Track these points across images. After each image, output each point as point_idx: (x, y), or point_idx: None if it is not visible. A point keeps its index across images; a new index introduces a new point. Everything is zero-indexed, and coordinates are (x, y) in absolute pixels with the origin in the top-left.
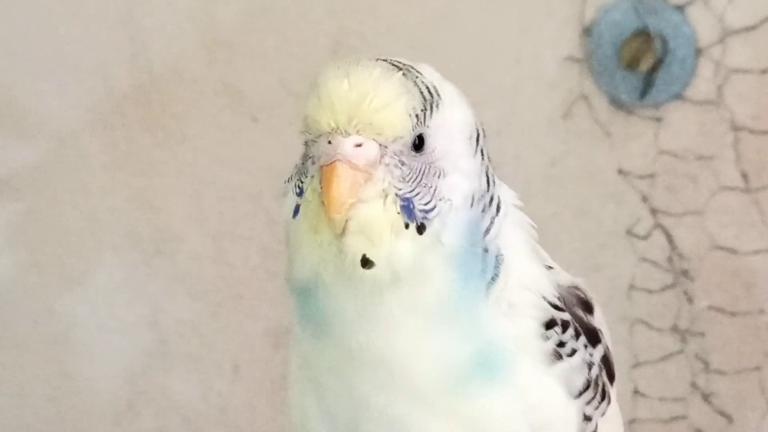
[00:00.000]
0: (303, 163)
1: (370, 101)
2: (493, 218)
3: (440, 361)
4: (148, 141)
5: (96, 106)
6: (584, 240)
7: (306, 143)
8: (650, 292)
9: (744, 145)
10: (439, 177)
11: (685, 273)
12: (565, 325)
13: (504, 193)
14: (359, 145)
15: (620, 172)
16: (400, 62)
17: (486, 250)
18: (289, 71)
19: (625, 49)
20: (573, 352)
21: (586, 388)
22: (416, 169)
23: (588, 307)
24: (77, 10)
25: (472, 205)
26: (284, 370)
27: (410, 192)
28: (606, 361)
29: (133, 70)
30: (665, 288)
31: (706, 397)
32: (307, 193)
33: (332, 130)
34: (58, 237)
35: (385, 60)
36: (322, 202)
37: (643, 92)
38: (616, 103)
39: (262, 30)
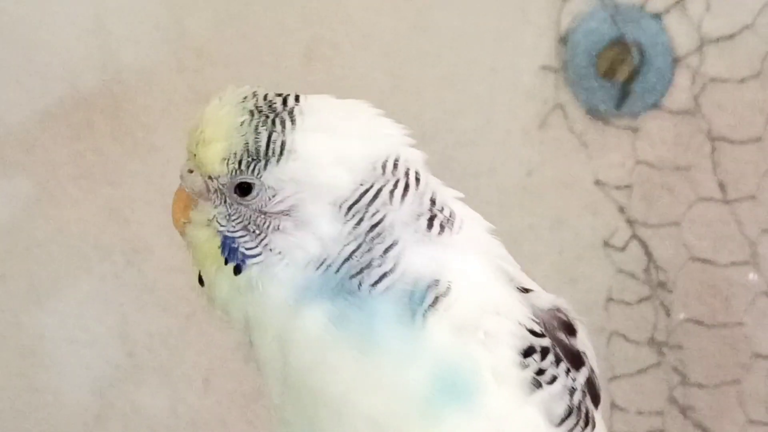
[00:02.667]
0: None
1: (199, 134)
2: (381, 276)
3: (389, 392)
4: (117, 151)
5: (65, 115)
6: (561, 251)
7: None
8: (627, 304)
9: (721, 155)
10: (274, 229)
11: (662, 285)
12: (544, 352)
13: (469, 218)
14: (191, 171)
15: (597, 182)
16: (283, 105)
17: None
18: (261, 80)
19: (602, 58)
20: (553, 379)
21: (568, 415)
22: (243, 213)
23: (570, 330)
24: (46, 17)
25: (319, 268)
26: (256, 383)
27: (233, 232)
28: (590, 385)
29: (103, 78)
30: (642, 300)
31: (683, 411)
32: None
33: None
34: (26, 248)
35: (266, 99)
36: None
37: (620, 102)
38: (593, 112)
39: (233, 38)
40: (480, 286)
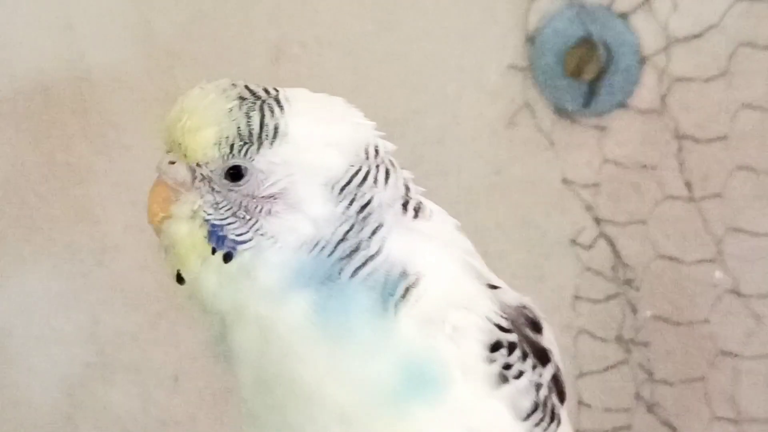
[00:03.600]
0: None
1: (184, 122)
2: (365, 260)
3: (358, 383)
4: (86, 150)
5: (33, 114)
6: (528, 249)
7: None
8: (594, 301)
9: (688, 154)
10: (267, 214)
11: (629, 282)
12: (511, 347)
13: (437, 210)
14: (172, 163)
15: (564, 181)
16: (268, 93)
17: (372, 282)
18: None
19: (569, 57)
20: (520, 374)
21: (534, 410)
22: (233, 199)
23: (536, 327)
24: (14, 15)
25: (312, 250)
26: (225, 381)
27: (222, 220)
28: (556, 381)
29: (71, 77)
30: (609, 298)
31: (650, 408)
32: None
33: (164, 144)
34: None
35: (249, 88)
36: None
37: (587, 101)
38: (560, 111)
39: (202, 37)
40: (449, 279)
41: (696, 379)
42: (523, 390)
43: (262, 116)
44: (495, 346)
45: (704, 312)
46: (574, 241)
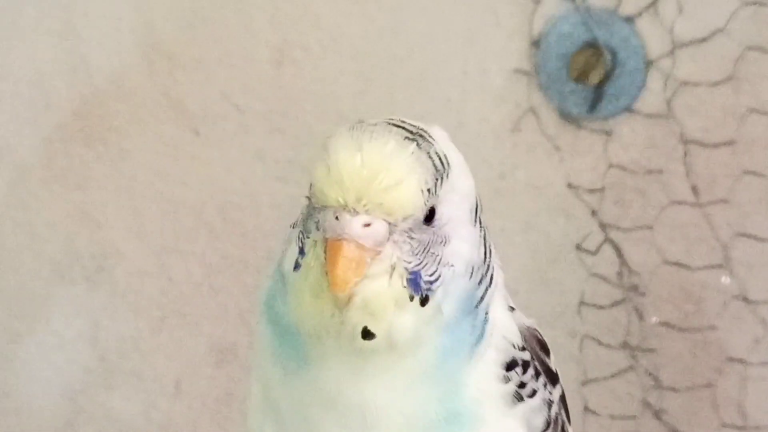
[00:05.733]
0: (307, 219)
1: (381, 180)
2: (486, 288)
3: (413, 419)
4: (87, 154)
5: (34, 119)
6: (533, 255)
7: (314, 206)
8: (600, 307)
9: (694, 158)
10: (443, 244)
11: (635, 288)
12: (525, 365)
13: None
14: (368, 225)
15: (569, 186)
16: (413, 127)
17: (476, 318)
18: (232, 84)
19: (574, 61)
20: (533, 392)
21: (547, 427)
22: (425, 240)
23: (545, 348)
24: (15, 20)
25: (471, 276)
26: (227, 387)
27: (418, 265)
28: (564, 401)
29: (73, 82)
30: (615, 303)
31: (657, 414)
32: (309, 257)
33: (340, 206)
34: None
35: (398, 125)
36: (326, 273)
37: (593, 105)
38: (565, 116)
39: (203, 42)
40: (497, 313)
41: (703, 386)
42: (536, 408)
43: (436, 151)
44: (510, 365)
45: (711, 318)
46: (579, 247)
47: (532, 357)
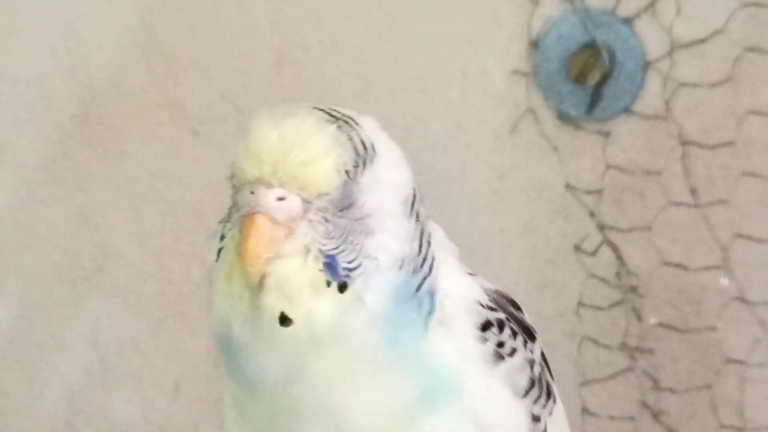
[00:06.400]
0: (231, 208)
1: (296, 154)
2: (425, 277)
3: (385, 407)
4: (87, 155)
5: (34, 119)
6: (531, 256)
7: (233, 188)
8: (599, 308)
9: (692, 159)
10: (366, 235)
11: (633, 289)
12: (500, 325)
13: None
14: (282, 199)
15: (568, 187)
16: (338, 112)
17: (421, 301)
18: (231, 85)
19: (573, 62)
20: (513, 351)
21: (531, 386)
22: (343, 225)
23: (516, 305)
24: (15, 21)
25: (400, 268)
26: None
27: (335, 249)
28: (545, 359)
29: (73, 83)
30: (614, 305)
31: (655, 416)
32: (226, 240)
33: (256, 180)
34: None
35: (322, 109)
36: (239, 253)
37: (591, 106)
38: (564, 117)
39: (203, 43)
40: (449, 278)
41: (702, 387)
42: (518, 367)
43: (359, 136)
44: (485, 326)
45: (710, 319)
46: (578, 248)
47: (507, 318)
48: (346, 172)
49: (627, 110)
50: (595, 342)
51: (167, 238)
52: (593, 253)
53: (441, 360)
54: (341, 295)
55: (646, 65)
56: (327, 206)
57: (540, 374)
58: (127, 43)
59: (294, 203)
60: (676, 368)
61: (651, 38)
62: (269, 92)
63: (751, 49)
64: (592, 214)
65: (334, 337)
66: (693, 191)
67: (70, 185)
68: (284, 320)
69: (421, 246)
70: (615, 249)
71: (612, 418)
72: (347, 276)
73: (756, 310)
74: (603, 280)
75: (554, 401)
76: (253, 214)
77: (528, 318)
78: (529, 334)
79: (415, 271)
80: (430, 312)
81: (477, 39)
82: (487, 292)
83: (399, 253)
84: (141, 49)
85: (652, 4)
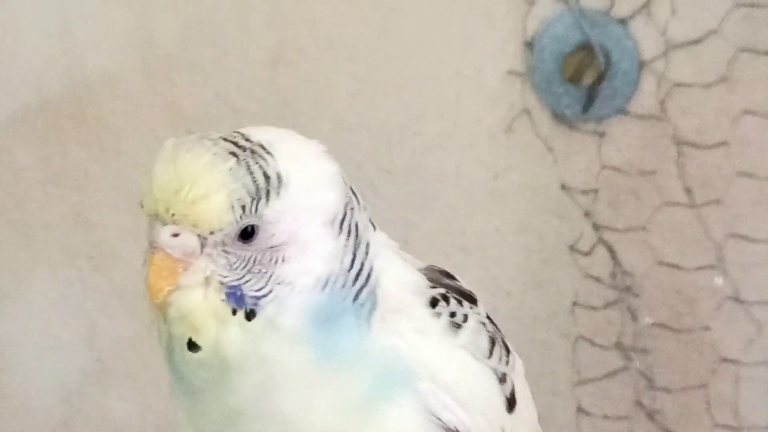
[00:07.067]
0: None
1: (188, 192)
2: (362, 287)
3: (334, 408)
4: (83, 155)
5: (30, 119)
6: (526, 256)
7: None
8: (594, 308)
9: (687, 159)
10: (277, 263)
11: (628, 289)
12: (445, 298)
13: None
14: (177, 235)
15: (563, 187)
16: (249, 142)
17: (361, 306)
18: (227, 85)
19: (568, 63)
20: (465, 317)
21: (493, 344)
22: (246, 257)
23: (450, 275)
24: (11, 21)
25: (325, 287)
26: None
27: (238, 280)
28: (491, 319)
29: (69, 83)
30: (609, 304)
31: (650, 415)
32: (143, 266)
33: (155, 215)
34: None
35: (230, 140)
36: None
37: (586, 106)
38: (559, 117)
39: (199, 43)
40: (389, 271)
41: (696, 387)
42: (475, 330)
43: (262, 168)
44: (433, 302)
45: (705, 319)
46: (572, 248)
47: (446, 291)
48: (243, 207)
49: (622, 110)
50: (590, 341)
51: None
52: (588, 253)
53: (389, 351)
54: (249, 322)
55: (640, 65)
56: (225, 240)
57: (494, 331)
58: (123, 43)
59: (188, 240)
60: (670, 368)
61: (646, 39)
62: (265, 92)
63: (746, 50)
64: (587, 214)
65: (249, 361)
66: (688, 191)
67: (66, 185)
68: (193, 346)
69: (354, 260)
70: (610, 249)
71: (607, 417)
72: (255, 304)
73: (750, 310)
74: (598, 279)
75: (509, 351)
76: (153, 248)
77: (464, 284)
78: (471, 299)
79: (345, 286)
80: (372, 310)
81: (472, 39)
82: (421, 271)
83: (323, 273)
84: (137, 49)
85: (646, 5)
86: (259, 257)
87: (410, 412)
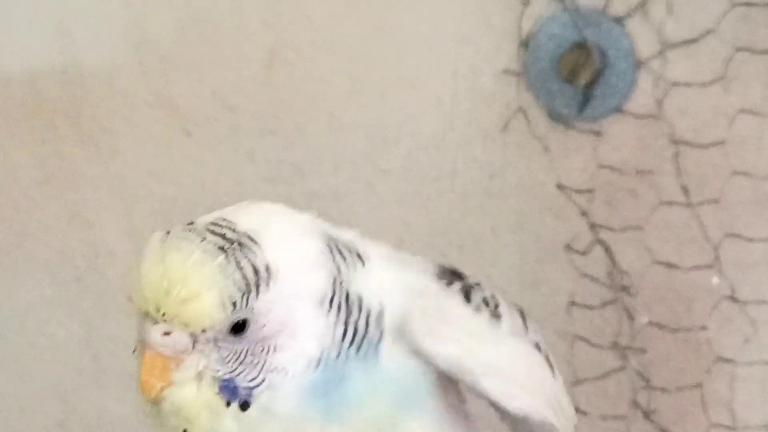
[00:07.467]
0: None
1: (178, 292)
2: (363, 338)
3: None
4: (79, 155)
5: (26, 119)
6: (523, 255)
7: None
8: (590, 308)
9: (684, 159)
10: (269, 352)
11: (625, 289)
12: (471, 288)
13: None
14: (168, 333)
15: (559, 186)
16: (236, 233)
17: (363, 354)
18: (224, 84)
19: (564, 61)
20: (496, 300)
21: (523, 318)
22: (238, 350)
23: (458, 273)
24: (6, 20)
25: (318, 365)
26: None
27: (231, 372)
28: None
29: (64, 82)
30: (605, 304)
31: (647, 415)
32: (136, 357)
33: (144, 313)
34: None
35: (217, 232)
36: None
37: (582, 106)
38: (555, 116)
39: (195, 42)
40: (392, 295)
41: (693, 386)
42: (508, 311)
43: (251, 261)
44: (467, 296)
45: (701, 318)
46: (569, 247)
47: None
48: (233, 303)
49: (618, 109)
50: (586, 341)
51: None
52: (585, 253)
53: (403, 370)
54: (244, 412)
55: (637, 65)
56: (217, 336)
57: (513, 305)
58: (119, 43)
59: (180, 338)
60: (667, 367)
61: (642, 38)
62: (261, 91)
63: (743, 49)
64: (583, 214)
65: None
66: (684, 190)
67: (62, 184)
68: None
69: (346, 330)
70: (606, 248)
71: (603, 417)
72: (248, 395)
73: (747, 309)
74: (594, 279)
75: (528, 318)
76: (145, 346)
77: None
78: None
79: (341, 355)
80: (380, 341)
81: (467, 38)
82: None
83: (316, 354)
84: (133, 48)
85: (643, 4)
86: (251, 348)
87: (432, 417)
